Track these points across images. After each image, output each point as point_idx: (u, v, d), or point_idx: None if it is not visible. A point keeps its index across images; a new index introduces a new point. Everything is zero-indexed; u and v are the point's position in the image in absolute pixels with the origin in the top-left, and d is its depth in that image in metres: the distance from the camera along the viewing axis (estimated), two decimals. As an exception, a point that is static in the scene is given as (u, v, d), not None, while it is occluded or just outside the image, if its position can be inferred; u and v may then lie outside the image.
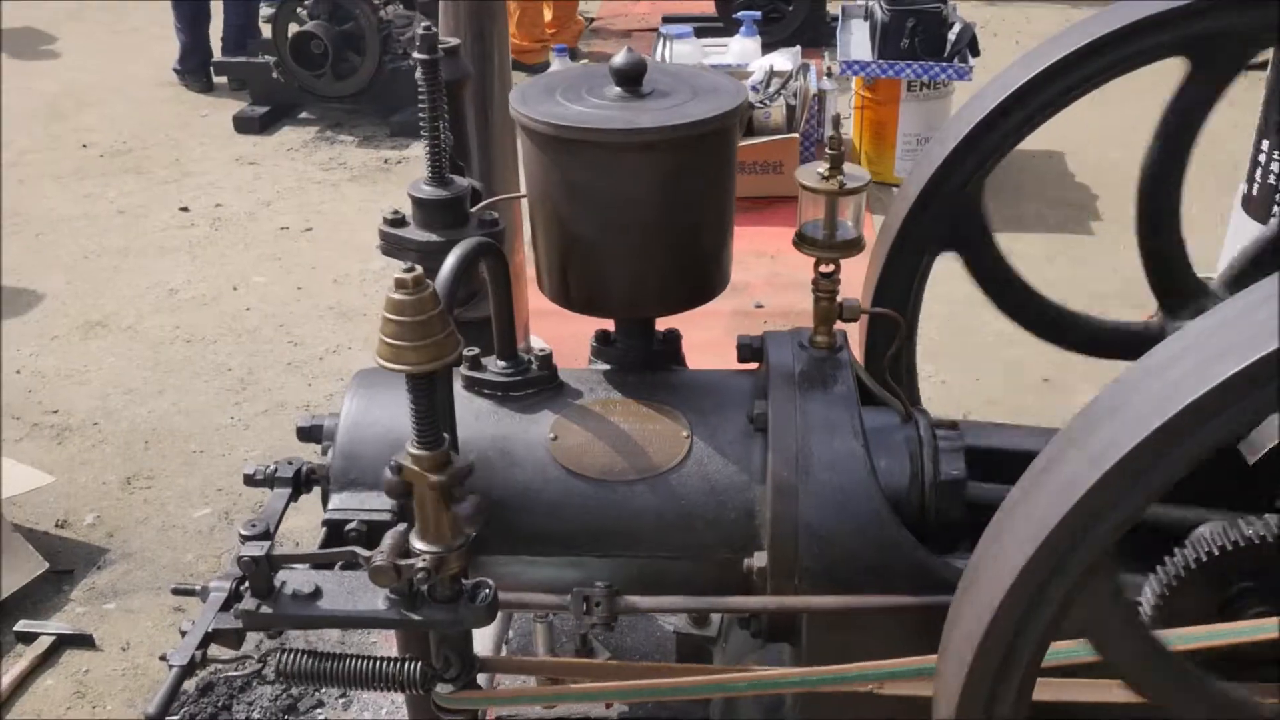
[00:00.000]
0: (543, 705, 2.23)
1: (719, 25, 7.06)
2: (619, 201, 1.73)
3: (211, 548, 3.32)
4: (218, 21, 7.19)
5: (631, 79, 1.74)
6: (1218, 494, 1.62)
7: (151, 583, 3.19)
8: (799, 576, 1.61)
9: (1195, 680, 1.31)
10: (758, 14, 6.35)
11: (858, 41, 5.74)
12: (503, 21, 2.93)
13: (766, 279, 4.67)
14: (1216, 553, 1.46)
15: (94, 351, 4.40)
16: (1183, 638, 1.36)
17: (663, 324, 1.94)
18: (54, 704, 2.83)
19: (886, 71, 5.39)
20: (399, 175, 5.95)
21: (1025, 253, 4.36)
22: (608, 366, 1.91)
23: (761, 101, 5.35)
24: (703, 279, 1.85)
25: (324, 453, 1.80)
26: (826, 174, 1.71)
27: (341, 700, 2.77)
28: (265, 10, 7.51)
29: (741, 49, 6.08)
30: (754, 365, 1.89)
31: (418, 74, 1.78)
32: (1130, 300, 2.17)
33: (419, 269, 1.34)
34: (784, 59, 5.68)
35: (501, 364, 1.81)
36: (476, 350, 1.81)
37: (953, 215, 2.04)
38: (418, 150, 5.98)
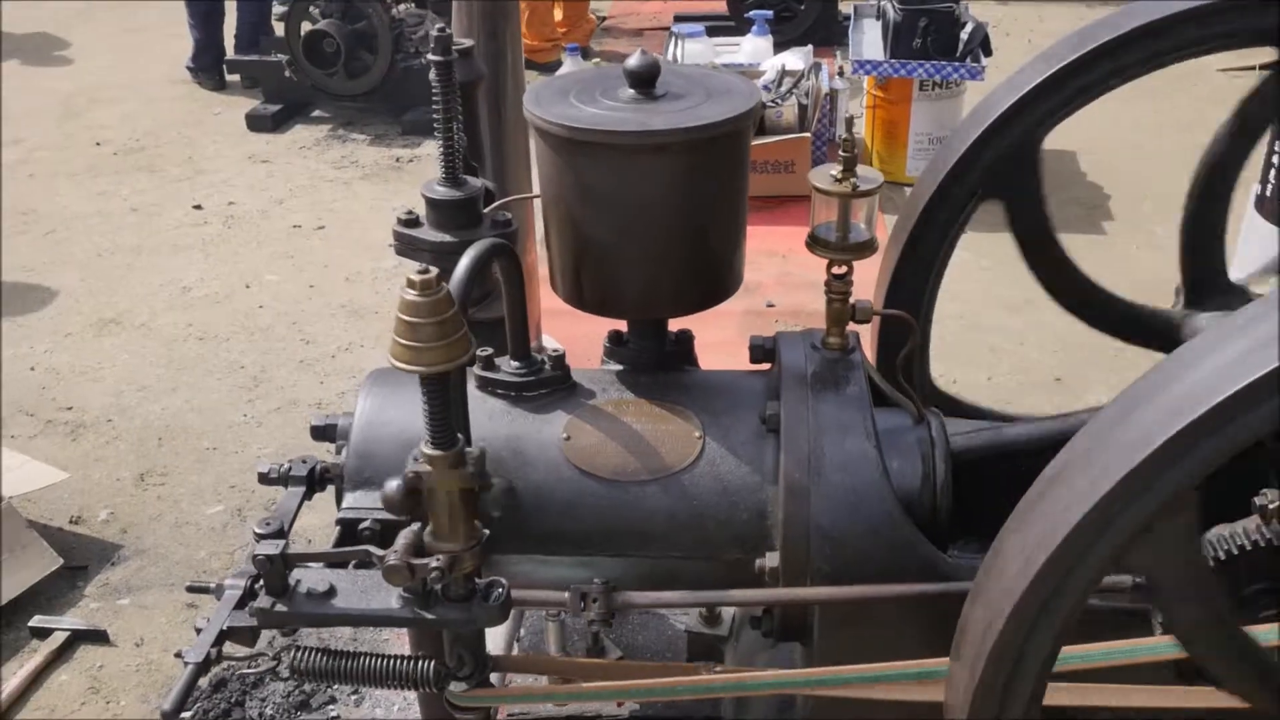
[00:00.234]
0: (554, 703, 2.24)
1: (731, 24, 7.04)
2: (633, 203, 1.73)
3: (224, 544, 3.34)
4: (231, 20, 7.21)
5: (645, 81, 1.74)
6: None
7: (165, 579, 3.21)
8: (811, 577, 1.61)
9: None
10: (770, 13, 6.36)
11: (870, 41, 5.74)
12: (516, 21, 2.93)
13: (778, 278, 4.67)
14: (1223, 557, 1.46)
15: (107, 349, 4.42)
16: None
17: (675, 324, 1.94)
18: (68, 699, 2.85)
19: (899, 71, 5.39)
20: (411, 173, 5.96)
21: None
22: (620, 367, 1.91)
23: (773, 101, 5.34)
24: (716, 280, 1.85)
25: (338, 452, 1.80)
26: (840, 176, 1.71)
27: (354, 697, 2.79)
28: (278, 9, 7.52)
29: (753, 48, 6.08)
30: (766, 366, 1.89)
31: (431, 75, 1.78)
32: (1142, 300, 2.17)
33: (433, 270, 1.34)
34: (796, 58, 5.68)
35: (515, 364, 1.82)
36: (490, 350, 1.81)
37: (1010, 153, 1.98)
38: (430, 148, 6.01)
